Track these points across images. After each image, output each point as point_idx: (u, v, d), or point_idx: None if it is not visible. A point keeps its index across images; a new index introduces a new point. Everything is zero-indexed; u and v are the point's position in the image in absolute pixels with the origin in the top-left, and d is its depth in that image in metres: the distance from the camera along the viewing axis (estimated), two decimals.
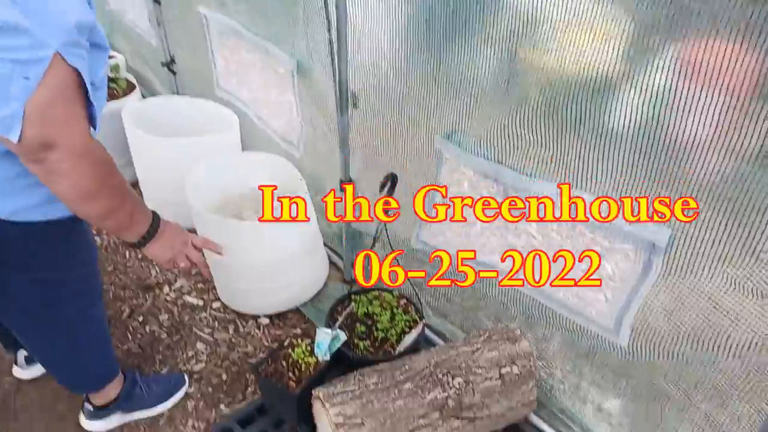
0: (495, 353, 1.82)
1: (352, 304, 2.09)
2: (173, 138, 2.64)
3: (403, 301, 2.16)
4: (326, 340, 1.87)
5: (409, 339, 1.96)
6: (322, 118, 2.23)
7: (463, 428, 1.72)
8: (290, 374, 1.88)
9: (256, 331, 2.37)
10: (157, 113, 2.86)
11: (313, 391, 1.73)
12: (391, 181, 1.77)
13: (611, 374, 1.73)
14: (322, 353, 1.87)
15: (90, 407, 1.90)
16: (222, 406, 2.05)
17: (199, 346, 2.29)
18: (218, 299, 2.50)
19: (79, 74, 1.10)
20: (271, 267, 2.26)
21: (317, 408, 1.77)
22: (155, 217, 1.43)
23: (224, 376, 2.16)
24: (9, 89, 1.02)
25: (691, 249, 1.36)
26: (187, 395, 2.08)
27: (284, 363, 1.91)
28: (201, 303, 2.49)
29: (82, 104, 1.14)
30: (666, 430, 1.60)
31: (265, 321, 2.40)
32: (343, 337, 1.88)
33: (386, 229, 1.88)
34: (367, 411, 1.62)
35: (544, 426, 1.89)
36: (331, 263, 2.65)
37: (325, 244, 2.60)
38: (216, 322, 2.40)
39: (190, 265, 1.55)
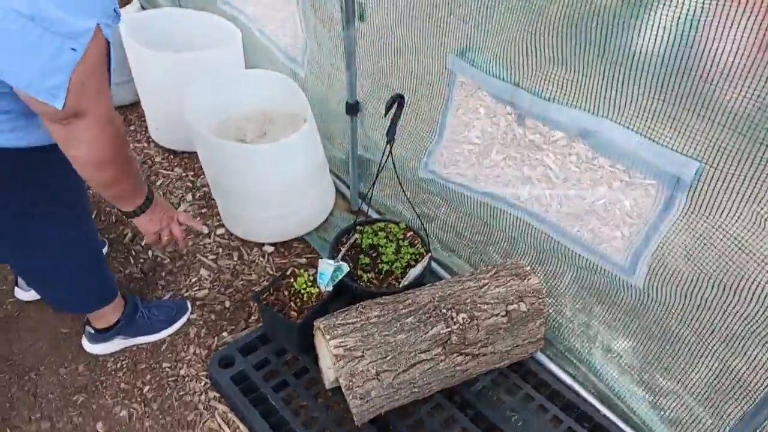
0: (502, 289, 1.78)
1: (356, 234, 2.05)
2: (172, 52, 2.54)
3: (409, 234, 2.11)
4: (328, 270, 1.84)
5: (414, 273, 1.92)
6: (327, 34, 2.11)
7: (465, 364, 1.71)
8: (292, 304, 1.87)
9: (261, 259, 2.35)
10: (157, 26, 2.74)
11: (314, 322, 1.72)
12: (397, 103, 1.68)
13: (623, 315, 1.68)
14: (325, 284, 1.85)
15: (91, 330, 1.92)
16: (224, 334, 2.06)
17: (203, 272, 2.29)
18: (222, 225, 2.48)
19: (108, 44, 1.16)
20: (275, 193, 2.21)
21: (318, 339, 1.77)
22: (150, 192, 1.51)
23: (227, 304, 2.17)
24: (58, 61, 1.07)
25: (719, 185, 1.27)
26: (189, 322, 2.09)
27: (286, 292, 1.90)
28: (205, 229, 2.47)
29: (107, 74, 1.20)
30: (677, 374, 1.57)
31: (270, 249, 2.38)
32: (346, 268, 1.85)
33: (392, 157, 1.80)
34: (368, 344, 1.60)
35: (551, 365, 1.87)
36: (338, 192, 2.60)
37: (331, 172, 2.54)
38: (220, 249, 2.39)
39: (171, 240, 1.64)
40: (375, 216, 2.36)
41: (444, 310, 1.69)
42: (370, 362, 1.59)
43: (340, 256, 1.90)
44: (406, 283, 1.90)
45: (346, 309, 1.72)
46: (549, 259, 1.86)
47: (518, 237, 1.90)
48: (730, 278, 1.32)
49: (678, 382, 1.58)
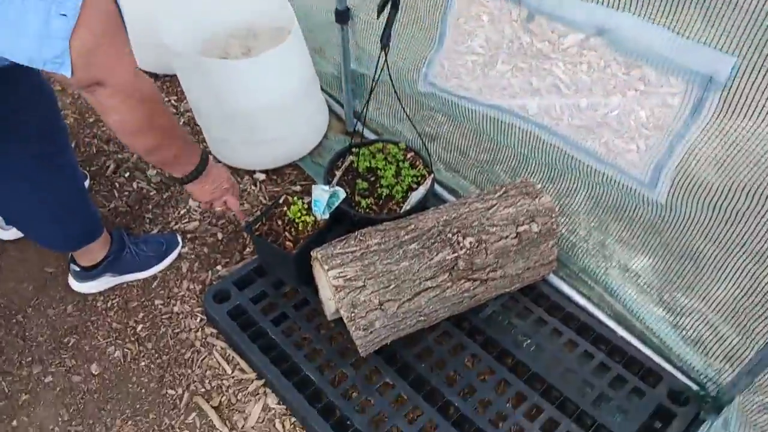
0: (512, 210, 1.67)
1: (351, 157, 1.93)
2: None
3: (410, 155, 1.98)
4: (324, 197, 1.73)
5: (416, 196, 1.82)
6: None
7: (474, 290, 1.63)
8: (287, 234, 1.77)
9: (252, 187, 2.24)
10: None
11: (311, 252, 1.63)
12: (391, 3, 1.51)
13: (642, 231, 1.58)
14: (321, 212, 1.74)
15: (76, 268, 1.84)
16: (218, 267, 1.98)
17: (192, 203, 2.18)
18: (209, 153, 2.36)
19: (114, 1, 1.08)
20: (262, 114, 2.06)
21: (317, 269, 1.68)
22: (203, 161, 1.48)
23: (219, 236, 2.08)
24: (50, 29, 1.00)
25: (757, 82, 1.14)
26: (180, 256, 2.01)
27: (280, 222, 1.80)
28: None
29: (123, 37, 1.13)
30: (700, 292, 1.49)
31: (261, 177, 2.27)
32: (342, 194, 1.74)
33: (388, 68, 1.65)
34: (369, 273, 1.52)
35: (564, 287, 1.79)
36: (332, 112, 2.45)
37: (323, 90, 2.38)
38: None
39: (225, 209, 1.67)
40: (372, 137, 2.23)
41: (450, 235, 1.59)
42: (372, 292, 1.51)
43: (335, 181, 1.78)
44: (408, 207, 1.80)
45: (344, 237, 1.62)
46: (561, 176, 1.74)
47: (528, 153, 1.77)
48: (765, 186, 1.21)
49: (701, 299, 1.50)
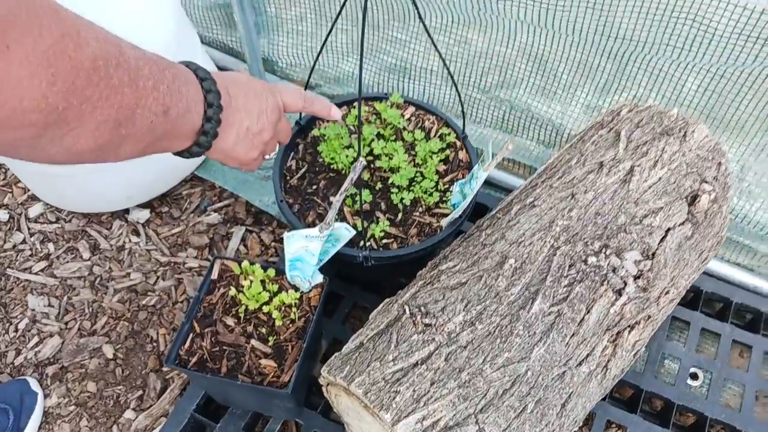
0: (663, 172, 0.95)
1: (320, 147, 1.08)
2: None
3: (414, 113, 1.17)
4: (313, 250, 0.89)
5: (470, 189, 1.00)
6: None
7: (637, 341, 0.91)
8: (255, 342, 0.93)
9: (132, 239, 1.35)
10: None
11: (323, 372, 0.83)
12: None
13: None
14: (310, 277, 0.92)
15: None
16: (129, 414, 1.12)
17: (33, 302, 1.27)
18: (36, 199, 1.41)
19: None
20: None
21: (344, 402, 0.87)
22: (210, 90, 0.63)
23: (108, 351, 1.20)
24: None
25: None
26: (49, 415, 1.13)
27: (231, 322, 0.95)
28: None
29: None
30: None
31: (143, 215, 1.37)
32: (350, 231, 0.89)
33: None
34: (479, 396, 0.76)
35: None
36: (222, 48, 1.55)
37: (204, 43, 1.47)
38: (50, 245, 1.35)
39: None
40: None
41: (590, 256, 0.85)
42: None
43: (332, 215, 0.89)
44: (457, 215, 1.01)
45: (384, 325, 0.84)
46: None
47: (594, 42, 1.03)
48: None
49: None
